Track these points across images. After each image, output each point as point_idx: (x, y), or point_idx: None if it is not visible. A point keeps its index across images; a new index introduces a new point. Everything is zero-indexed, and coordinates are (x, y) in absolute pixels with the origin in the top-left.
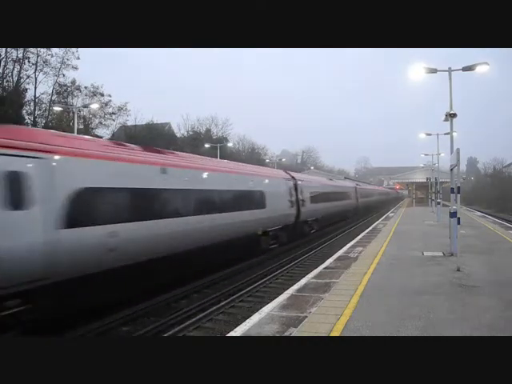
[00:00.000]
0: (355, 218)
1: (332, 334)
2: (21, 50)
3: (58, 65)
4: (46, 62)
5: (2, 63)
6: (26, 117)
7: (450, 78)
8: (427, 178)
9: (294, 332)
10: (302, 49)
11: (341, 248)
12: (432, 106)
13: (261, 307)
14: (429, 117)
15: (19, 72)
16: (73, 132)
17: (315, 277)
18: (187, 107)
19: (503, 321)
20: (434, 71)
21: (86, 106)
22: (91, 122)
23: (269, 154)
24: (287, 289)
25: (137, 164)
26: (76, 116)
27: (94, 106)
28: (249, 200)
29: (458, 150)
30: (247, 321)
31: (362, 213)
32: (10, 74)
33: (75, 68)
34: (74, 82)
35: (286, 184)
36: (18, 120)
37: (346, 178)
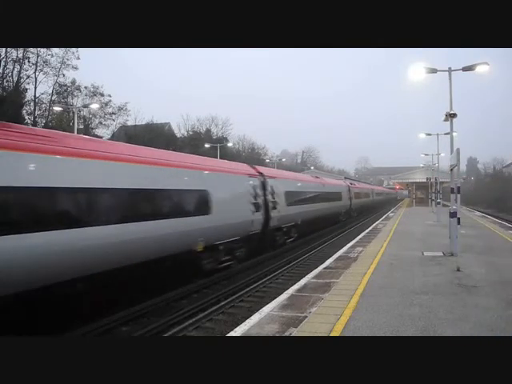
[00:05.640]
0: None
1: (332, 334)
2: (21, 50)
3: (58, 65)
4: (46, 62)
5: (2, 63)
6: (26, 117)
7: (450, 78)
8: (427, 178)
9: (294, 332)
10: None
11: (341, 248)
12: (432, 106)
13: (261, 307)
14: (429, 117)
15: (19, 72)
16: (73, 132)
17: (315, 277)
18: (187, 107)
19: (503, 321)
20: (434, 71)
21: (86, 106)
22: (91, 122)
23: (269, 154)
24: (287, 289)
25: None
26: (76, 116)
27: (94, 106)
28: None
29: (457, 150)
30: (247, 321)
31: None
32: (10, 74)
33: (75, 68)
34: (73, 82)
35: None
36: (18, 120)
37: (345, 177)
